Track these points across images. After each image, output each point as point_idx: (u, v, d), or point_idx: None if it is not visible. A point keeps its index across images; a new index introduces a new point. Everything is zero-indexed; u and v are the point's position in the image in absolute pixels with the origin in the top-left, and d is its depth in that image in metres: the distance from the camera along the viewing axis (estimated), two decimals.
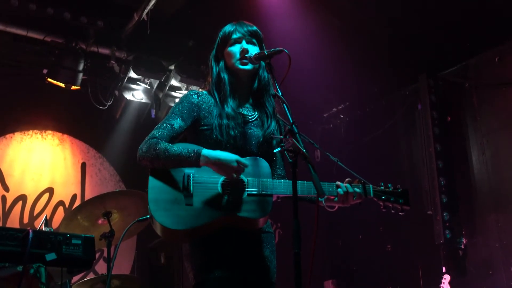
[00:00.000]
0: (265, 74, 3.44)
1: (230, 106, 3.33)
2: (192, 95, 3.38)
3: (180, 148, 3.13)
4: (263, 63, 3.36)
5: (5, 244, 3.14)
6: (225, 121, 3.27)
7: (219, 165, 3.08)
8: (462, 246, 7.19)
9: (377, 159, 8.37)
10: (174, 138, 3.24)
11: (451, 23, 6.97)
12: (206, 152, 3.10)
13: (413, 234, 7.72)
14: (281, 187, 3.22)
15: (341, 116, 9.39)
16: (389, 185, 3.58)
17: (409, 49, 7.52)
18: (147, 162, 3.16)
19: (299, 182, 3.05)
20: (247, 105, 3.46)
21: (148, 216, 3.14)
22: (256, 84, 3.45)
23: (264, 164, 3.26)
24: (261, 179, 3.20)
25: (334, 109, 9.43)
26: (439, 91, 7.76)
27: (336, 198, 3.37)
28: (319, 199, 3.28)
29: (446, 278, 6.52)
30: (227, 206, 3.11)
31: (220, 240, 3.16)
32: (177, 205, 3.07)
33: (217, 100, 3.35)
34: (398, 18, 7.09)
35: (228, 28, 3.46)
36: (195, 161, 3.08)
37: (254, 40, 3.43)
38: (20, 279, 3.06)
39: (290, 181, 3.10)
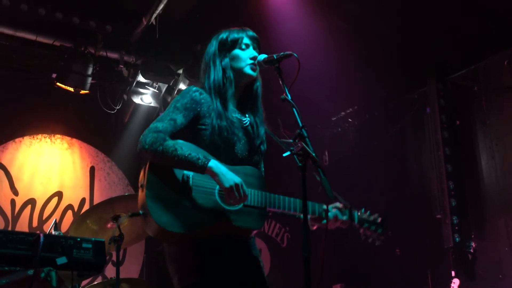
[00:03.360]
0: (259, 84, 3.47)
1: (229, 109, 3.31)
2: (194, 91, 3.29)
3: (188, 150, 3.05)
4: (259, 74, 3.41)
5: (16, 248, 3.15)
6: (224, 123, 3.23)
7: (223, 180, 3.02)
8: (472, 250, 7.16)
9: (386, 163, 8.36)
10: (174, 134, 3.15)
11: (459, 27, 6.96)
12: (214, 163, 3.04)
13: (422, 238, 7.70)
14: (276, 202, 3.24)
15: (350, 120, 9.38)
16: (368, 212, 3.66)
17: (418, 53, 7.51)
18: (148, 156, 3.07)
19: (292, 199, 3.20)
20: (241, 110, 3.45)
21: (141, 212, 3.07)
22: (251, 91, 3.46)
23: (260, 175, 3.28)
24: (258, 191, 3.20)
25: (343, 113, 9.43)
26: (448, 95, 7.75)
27: (324, 221, 3.38)
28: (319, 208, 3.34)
29: (455, 282, 6.50)
30: (223, 214, 3.09)
31: (209, 245, 3.11)
32: (174, 206, 3.02)
33: (218, 101, 3.29)
34: (407, 22, 7.08)
35: (237, 32, 3.45)
36: (201, 167, 3.02)
37: (258, 49, 3.46)
38: (31, 283, 3.07)
39: (286, 197, 3.24)
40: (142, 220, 3.11)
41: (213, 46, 3.46)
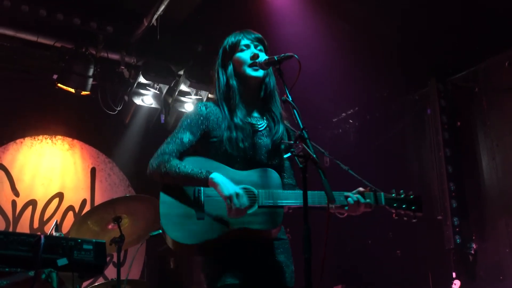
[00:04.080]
0: (272, 81, 3.45)
1: (238, 117, 3.31)
2: (200, 107, 3.37)
3: (190, 166, 3.13)
4: (270, 70, 3.38)
5: (17, 249, 3.16)
6: (234, 134, 3.26)
7: (222, 187, 3.05)
8: (472, 251, 7.15)
9: (387, 164, 8.34)
10: (184, 152, 3.24)
11: (460, 28, 6.95)
12: (215, 176, 3.07)
13: (423, 239, 7.69)
14: (292, 197, 3.21)
15: (350, 121, 9.37)
16: (401, 191, 3.53)
17: (418, 54, 7.51)
18: (157, 178, 3.20)
19: (309, 192, 3.02)
20: (255, 114, 3.45)
21: (160, 231, 3.17)
22: (263, 91, 3.45)
23: (274, 175, 3.26)
24: (271, 190, 3.19)
25: (343, 114, 9.42)
26: (448, 96, 7.75)
27: (347, 207, 3.35)
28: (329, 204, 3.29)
29: (456, 283, 6.50)
30: (238, 219, 3.09)
31: (233, 249, 3.16)
32: (188, 220, 3.09)
33: (226, 111, 3.33)
34: (407, 22, 7.08)
35: (235, 35, 3.47)
36: (203, 180, 3.09)
37: (260, 47, 3.44)
38: (32, 284, 3.07)
39: (301, 192, 3.12)
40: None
41: (218, 57, 3.51)
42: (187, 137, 3.25)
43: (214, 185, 3.07)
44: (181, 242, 3.05)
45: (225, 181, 3.06)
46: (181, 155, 3.22)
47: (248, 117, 3.39)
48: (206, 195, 3.14)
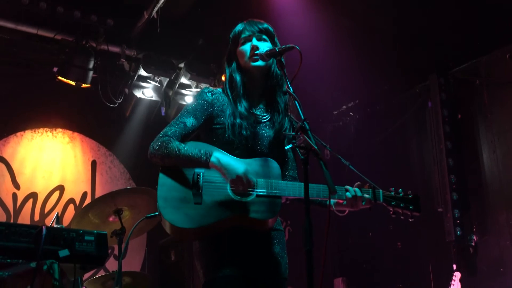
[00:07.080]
0: (277, 70, 3.42)
1: (243, 105, 3.32)
2: (206, 93, 3.37)
3: (191, 147, 3.13)
4: (274, 60, 3.37)
5: (19, 241, 3.14)
6: (238, 120, 3.26)
7: (226, 172, 3.08)
8: (473, 244, 7.16)
9: (388, 157, 8.35)
10: (186, 136, 3.24)
11: (461, 21, 6.94)
12: (217, 154, 3.10)
13: (424, 232, 7.70)
14: (290, 189, 3.21)
15: (351, 114, 9.37)
16: (399, 190, 3.53)
17: (419, 47, 7.50)
18: (157, 160, 3.17)
19: (309, 185, 2.99)
20: (260, 105, 3.46)
21: (157, 213, 3.16)
22: (268, 82, 3.44)
23: (274, 165, 3.26)
24: (271, 180, 3.19)
25: (344, 107, 9.41)
26: (449, 89, 7.74)
27: (344, 202, 3.34)
28: (331, 196, 3.28)
29: (457, 275, 6.50)
30: (235, 207, 3.11)
31: (230, 239, 3.16)
32: (186, 204, 3.08)
33: (231, 99, 3.34)
34: (408, 16, 7.07)
35: (237, 28, 3.46)
36: (205, 161, 3.09)
37: (264, 36, 3.41)
38: (33, 275, 3.07)
39: (300, 183, 3.17)
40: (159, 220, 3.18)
41: (227, 50, 3.52)
42: (190, 121, 3.26)
43: (216, 167, 3.09)
44: (177, 225, 3.05)
45: (226, 163, 3.08)
46: (183, 139, 3.22)
47: (253, 108, 3.40)
48: (205, 180, 3.14)
